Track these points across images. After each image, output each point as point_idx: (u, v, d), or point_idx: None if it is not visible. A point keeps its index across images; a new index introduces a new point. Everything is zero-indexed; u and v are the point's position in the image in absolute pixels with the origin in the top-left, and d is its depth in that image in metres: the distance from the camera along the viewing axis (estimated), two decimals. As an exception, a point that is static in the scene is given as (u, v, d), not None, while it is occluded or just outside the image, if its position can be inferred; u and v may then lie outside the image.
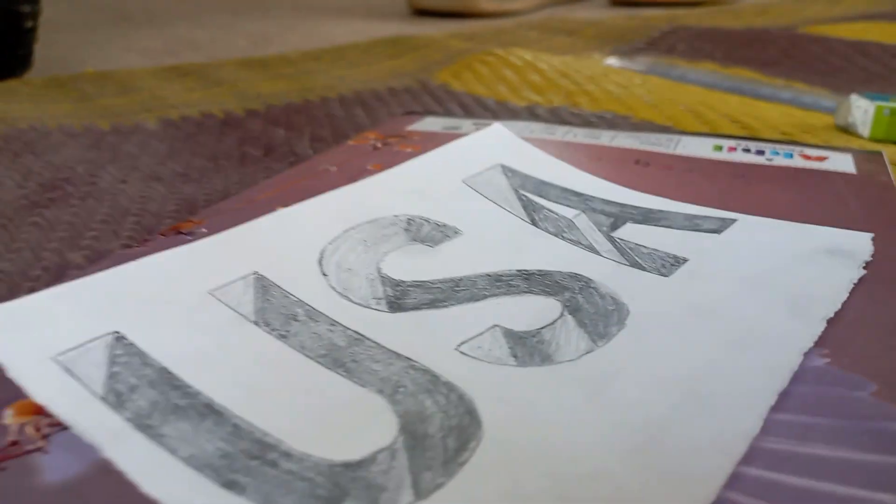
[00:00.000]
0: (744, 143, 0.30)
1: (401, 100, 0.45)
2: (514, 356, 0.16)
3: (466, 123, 0.34)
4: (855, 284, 0.18)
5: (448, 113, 0.41)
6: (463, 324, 0.17)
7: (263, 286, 0.18)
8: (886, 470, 0.12)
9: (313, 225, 0.21)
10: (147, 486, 0.12)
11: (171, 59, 0.62)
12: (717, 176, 0.27)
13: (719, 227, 0.22)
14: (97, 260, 0.23)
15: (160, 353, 0.15)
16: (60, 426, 0.13)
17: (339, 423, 0.14)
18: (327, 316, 0.17)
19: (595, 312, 0.17)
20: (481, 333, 0.17)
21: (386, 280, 0.19)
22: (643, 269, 0.20)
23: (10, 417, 0.14)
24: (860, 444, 0.13)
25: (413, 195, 0.23)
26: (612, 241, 0.21)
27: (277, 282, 0.18)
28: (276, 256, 0.19)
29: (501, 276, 0.19)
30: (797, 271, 0.19)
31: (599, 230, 0.22)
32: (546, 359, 0.16)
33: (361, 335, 0.16)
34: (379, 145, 0.31)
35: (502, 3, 0.88)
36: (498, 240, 0.21)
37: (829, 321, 0.17)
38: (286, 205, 0.22)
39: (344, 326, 0.17)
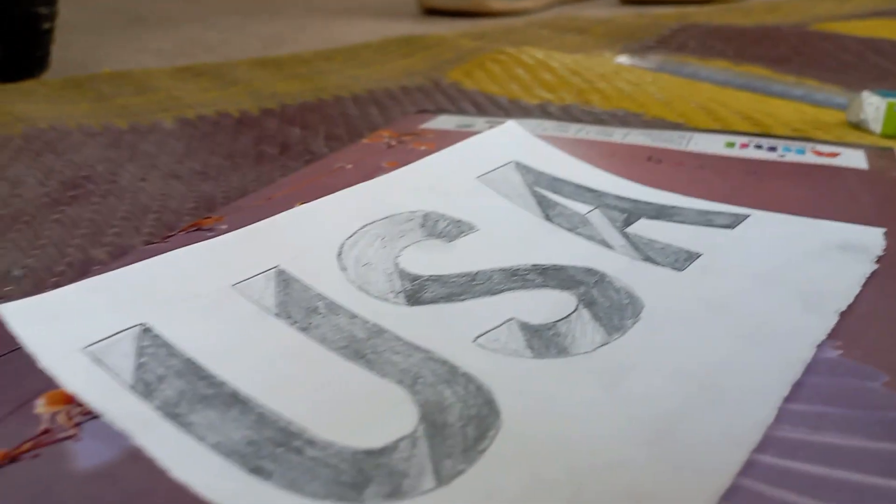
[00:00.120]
0: (756, 140, 0.31)
1: (414, 98, 0.45)
2: (531, 348, 0.16)
3: (479, 121, 0.34)
4: (867, 278, 0.19)
5: (461, 111, 0.42)
6: (479, 317, 0.17)
7: (284, 280, 0.18)
8: (898, 458, 0.13)
9: (332, 221, 0.21)
10: (177, 471, 0.12)
11: (185, 59, 0.62)
12: (730, 172, 0.27)
13: (732, 222, 0.22)
14: (120, 256, 0.24)
15: (186, 344, 0.15)
16: (90, 415, 0.14)
17: (361, 411, 0.14)
18: (347, 309, 0.17)
19: (610, 306, 0.18)
20: (498, 326, 0.17)
21: (403, 274, 0.19)
22: (657, 263, 0.20)
23: (42, 407, 0.14)
24: (872, 433, 0.13)
25: (428, 192, 0.23)
26: (625, 236, 0.22)
27: (298, 276, 0.18)
28: (297, 251, 0.19)
29: (517, 270, 0.20)
30: (810, 266, 0.19)
31: (613, 226, 0.22)
32: (562, 351, 0.16)
33: (381, 327, 0.17)
34: (393, 143, 0.31)
35: (512, 2, 0.88)
36: (513, 235, 0.21)
37: (842, 314, 0.17)
38: (303, 202, 0.22)
39: (363, 319, 0.17)
